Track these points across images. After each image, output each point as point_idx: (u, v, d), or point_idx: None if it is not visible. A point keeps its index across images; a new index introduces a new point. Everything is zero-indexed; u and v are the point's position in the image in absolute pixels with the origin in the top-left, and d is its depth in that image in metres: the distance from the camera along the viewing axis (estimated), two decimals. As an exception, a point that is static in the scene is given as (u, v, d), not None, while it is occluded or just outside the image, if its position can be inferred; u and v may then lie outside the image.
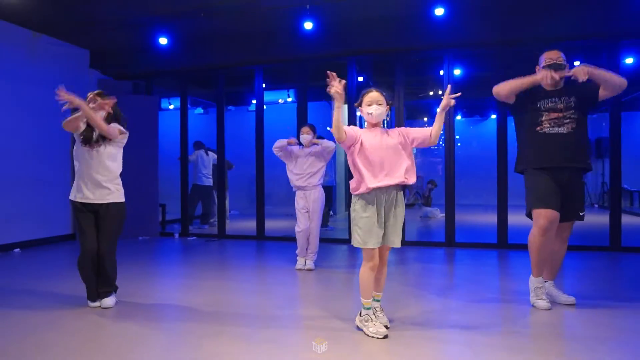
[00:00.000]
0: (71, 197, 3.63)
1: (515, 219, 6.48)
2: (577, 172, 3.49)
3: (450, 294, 4.06)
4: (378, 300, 3.14)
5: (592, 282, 4.46)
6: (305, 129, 5.12)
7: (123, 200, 3.70)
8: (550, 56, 3.50)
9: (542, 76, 3.43)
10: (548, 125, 3.46)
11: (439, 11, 5.68)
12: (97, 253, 3.57)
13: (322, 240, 6.27)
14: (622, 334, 2.98)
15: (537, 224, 3.41)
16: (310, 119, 6.91)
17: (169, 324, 3.34)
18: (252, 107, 10.94)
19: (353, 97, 6.71)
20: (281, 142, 5.04)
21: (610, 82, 3.37)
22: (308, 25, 6.06)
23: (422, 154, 13.14)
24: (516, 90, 3.53)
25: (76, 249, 3.88)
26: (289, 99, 10.26)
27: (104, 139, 3.56)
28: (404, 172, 2.95)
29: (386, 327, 3.02)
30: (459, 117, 13.10)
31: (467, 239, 6.61)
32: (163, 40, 6.50)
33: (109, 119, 3.62)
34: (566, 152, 3.43)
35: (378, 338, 2.89)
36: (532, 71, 3.61)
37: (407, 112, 12.64)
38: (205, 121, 11.00)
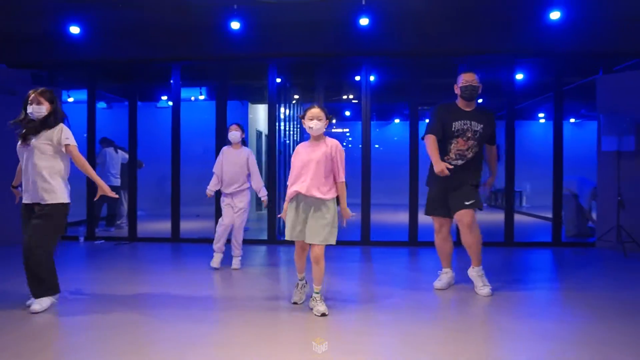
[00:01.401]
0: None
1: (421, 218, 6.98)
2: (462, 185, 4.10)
3: (373, 290, 4.31)
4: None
5: (495, 274, 4.97)
6: (234, 126, 5.05)
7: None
8: (467, 78, 4.10)
9: (439, 170, 3.96)
10: (453, 156, 4.07)
11: (364, 21, 5.92)
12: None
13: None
14: (531, 316, 3.40)
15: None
16: (227, 117, 6.85)
17: (81, 337, 3.13)
18: (162, 104, 10.56)
19: (274, 98, 6.79)
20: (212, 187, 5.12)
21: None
22: (235, 25, 6.01)
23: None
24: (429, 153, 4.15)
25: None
26: (201, 97, 10.02)
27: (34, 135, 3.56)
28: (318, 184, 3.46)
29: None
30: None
31: (380, 237, 6.94)
32: (75, 29, 6.04)
33: (50, 115, 3.57)
34: (454, 179, 4.03)
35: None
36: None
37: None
38: (108, 116, 10.34)
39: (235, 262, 5.08)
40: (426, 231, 6.76)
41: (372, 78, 7.20)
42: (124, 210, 8.22)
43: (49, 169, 3.52)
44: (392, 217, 9.44)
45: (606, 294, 4.11)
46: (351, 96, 10.77)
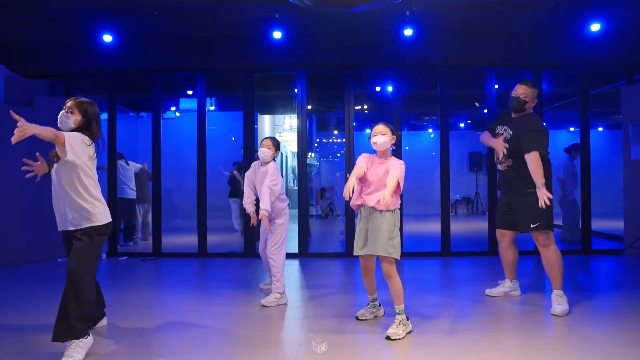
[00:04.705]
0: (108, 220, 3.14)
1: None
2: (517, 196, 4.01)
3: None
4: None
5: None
6: (266, 141, 4.33)
7: None
8: (515, 89, 4.03)
9: (496, 147, 4.10)
10: (496, 159, 4.15)
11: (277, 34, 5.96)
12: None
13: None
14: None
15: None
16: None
17: None
18: (169, 115, 10.34)
19: (303, 108, 6.67)
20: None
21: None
22: (277, 35, 5.88)
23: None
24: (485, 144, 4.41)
25: None
26: (212, 108, 9.85)
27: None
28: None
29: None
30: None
31: (413, 248, 6.86)
32: (107, 38, 5.82)
33: (82, 130, 3.02)
34: (505, 186, 4.14)
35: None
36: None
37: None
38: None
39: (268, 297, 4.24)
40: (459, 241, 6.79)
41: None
42: (139, 225, 7.96)
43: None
44: (420, 227, 9.30)
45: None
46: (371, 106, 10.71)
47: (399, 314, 3.32)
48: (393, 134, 3.44)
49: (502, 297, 4.28)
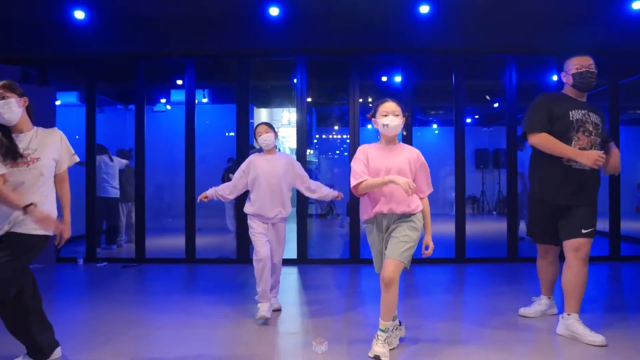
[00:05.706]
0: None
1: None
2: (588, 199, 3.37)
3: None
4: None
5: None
6: (263, 127, 3.87)
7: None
8: (581, 62, 3.35)
9: (589, 160, 3.15)
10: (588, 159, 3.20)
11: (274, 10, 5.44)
12: None
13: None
14: None
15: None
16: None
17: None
18: (159, 107, 9.68)
19: (304, 99, 6.06)
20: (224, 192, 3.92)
21: None
22: (274, 11, 5.23)
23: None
24: (554, 154, 3.29)
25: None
26: (204, 100, 9.19)
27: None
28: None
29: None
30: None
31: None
32: (81, 15, 5.17)
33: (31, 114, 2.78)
34: (578, 187, 3.31)
35: None
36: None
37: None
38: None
39: (275, 302, 4.00)
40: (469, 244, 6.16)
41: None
42: (123, 226, 7.31)
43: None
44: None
45: None
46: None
47: (383, 331, 2.79)
48: (403, 115, 2.96)
49: (539, 318, 3.65)
